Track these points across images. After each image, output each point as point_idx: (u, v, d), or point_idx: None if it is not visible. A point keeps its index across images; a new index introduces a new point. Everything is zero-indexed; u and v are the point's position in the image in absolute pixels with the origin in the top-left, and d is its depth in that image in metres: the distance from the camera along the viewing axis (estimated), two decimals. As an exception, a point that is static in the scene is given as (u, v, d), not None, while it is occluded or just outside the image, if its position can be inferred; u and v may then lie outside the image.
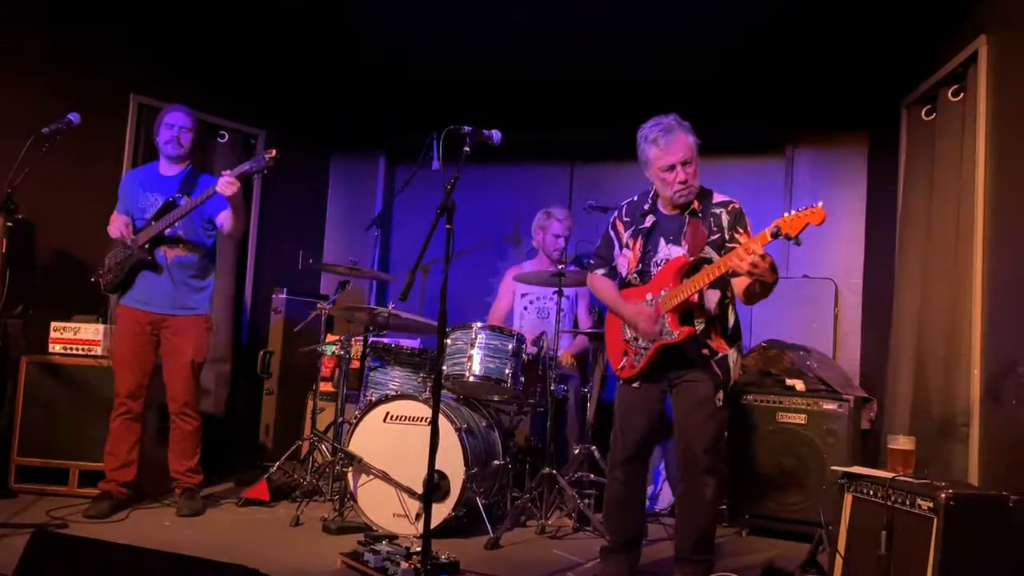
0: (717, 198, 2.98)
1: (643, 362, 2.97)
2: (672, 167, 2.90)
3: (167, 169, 3.93)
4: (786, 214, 2.53)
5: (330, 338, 4.66)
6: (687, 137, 2.89)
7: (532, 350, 4.04)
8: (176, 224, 3.79)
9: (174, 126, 3.89)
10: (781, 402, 4.00)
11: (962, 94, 3.73)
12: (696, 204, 2.96)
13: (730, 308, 2.98)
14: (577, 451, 4.14)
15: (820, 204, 2.46)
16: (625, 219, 3.12)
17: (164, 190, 3.87)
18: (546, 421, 3.96)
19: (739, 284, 2.82)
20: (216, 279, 4.10)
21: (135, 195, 3.91)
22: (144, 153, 4.69)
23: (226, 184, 3.62)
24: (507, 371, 3.83)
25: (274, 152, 3.58)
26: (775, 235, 2.52)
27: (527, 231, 5.14)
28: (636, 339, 3.00)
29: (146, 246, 3.78)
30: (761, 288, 2.74)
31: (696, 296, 2.82)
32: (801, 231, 2.49)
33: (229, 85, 5.16)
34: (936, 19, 3.94)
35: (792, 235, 2.49)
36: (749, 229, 2.90)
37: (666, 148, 2.88)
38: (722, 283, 2.87)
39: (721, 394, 2.91)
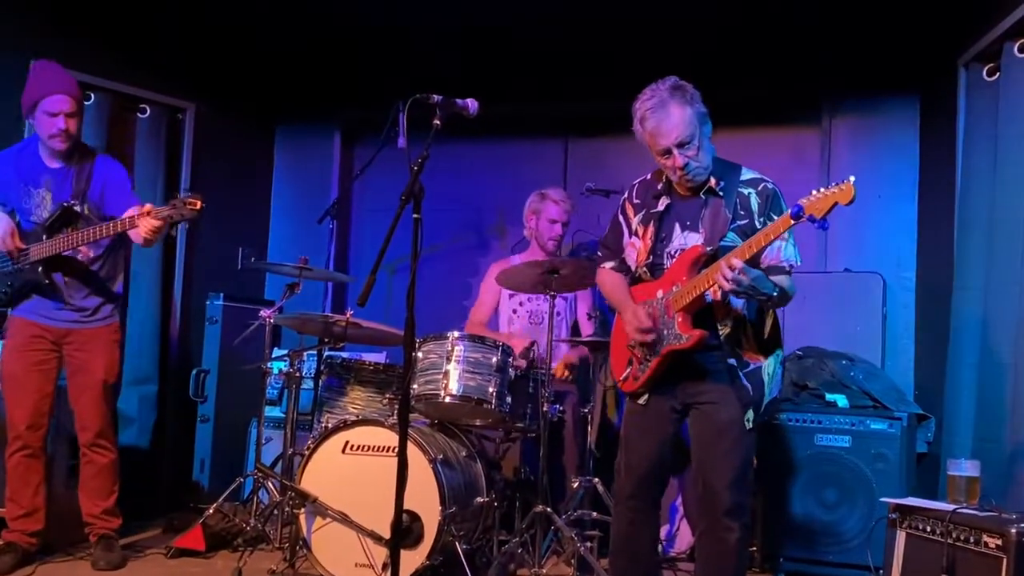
0: (746, 175, 2.96)
1: (648, 372, 2.95)
2: (667, 151, 2.88)
3: (53, 160, 3.83)
4: (812, 192, 2.54)
5: (277, 353, 4.63)
6: (683, 111, 2.84)
7: (521, 364, 4.03)
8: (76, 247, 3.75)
9: (58, 115, 3.70)
10: (820, 422, 4.00)
11: (1032, 48, 3.74)
12: (714, 182, 2.94)
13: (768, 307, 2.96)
14: (576, 484, 4.12)
15: (851, 180, 2.47)
16: (635, 201, 3.11)
17: (54, 188, 3.79)
18: (539, 449, 3.94)
19: None
20: (130, 280, 4.08)
21: (13, 188, 3.82)
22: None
23: (151, 228, 3.50)
24: (491, 389, 3.82)
25: (198, 204, 3.47)
26: (797, 217, 2.54)
27: (514, 220, 5.14)
28: (641, 345, 2.98)
29: (39, 268, 3.75)
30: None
31: (718, 292, 2.78)
32: (828, 212, 2.50)
33: (148, 49, 5.13)
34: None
35: (818, 216, 2.51)
36: (784, 210, 2.85)
37: (656, 129, 2.85)
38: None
39: (751, 414, 2.89)
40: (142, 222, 3.53)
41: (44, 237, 3.74)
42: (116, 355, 3.95)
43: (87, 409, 3.85)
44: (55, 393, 3.87)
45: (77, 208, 3.77)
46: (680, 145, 2.85)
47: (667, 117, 2.84)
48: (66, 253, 3.77)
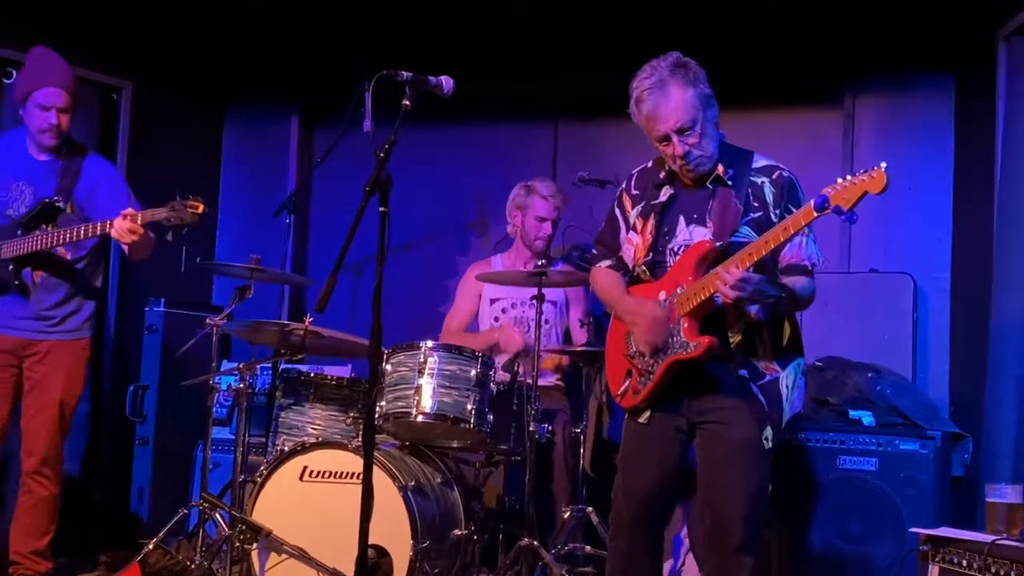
0: (759, 162, 2.99)
1: (650, 385, 2.95)
2: (666, 138, 2.89)
3: (40, 153, 3.94)
4: (838, 180, 2.55)
5: (226, 366, 4.62)
6: (684, 93, 2.85)
7: (504, 377, 4.04)
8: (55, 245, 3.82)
9: (50, 109, 3.84)
10: (843, 442, 4.02)
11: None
12: (722, 170, 2.95)
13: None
14: (568, 514, 4.15)
15: (882, 166, 2.49)
16: (634, 192, 3.13)
17: (38, 182, 3.89)
18: (525, 474, 3.96)
19: None
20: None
21: None
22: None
23: (125, 230, 3.57)
24: (469, 406, 3.83)
25: (200, 207, 3.54)
26: (821, 208, 2.55)
27: (496, 214, 5.17)
28: (641, 354, 2.98)
29: (10, 267, 3.81)
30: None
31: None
32: (856, 203, 2.51)
33: (78, 20, 5.10)
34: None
35: (845, 208, 2.52)
36: (803, 202, 2.87)
37: (654, 113, 2.86)
38: (771, 275, 2.87)
39: (769, 432, 2.90)
40: (115, 224, 3.59)
41: (19, 233, 3.80)
42: (80, 374, 4.00)
43: (36, 431, 3.88)
44: (8, 417, 3.91)
45: (59, 204, 3.83)
46: (680, 131, 2.86)
47: (666, 99, 2.85)
48: (44, 252, 3.82)
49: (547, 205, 4.74)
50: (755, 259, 2.71)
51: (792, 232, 2.65)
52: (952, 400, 4.71)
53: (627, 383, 3.04)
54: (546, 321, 4.52)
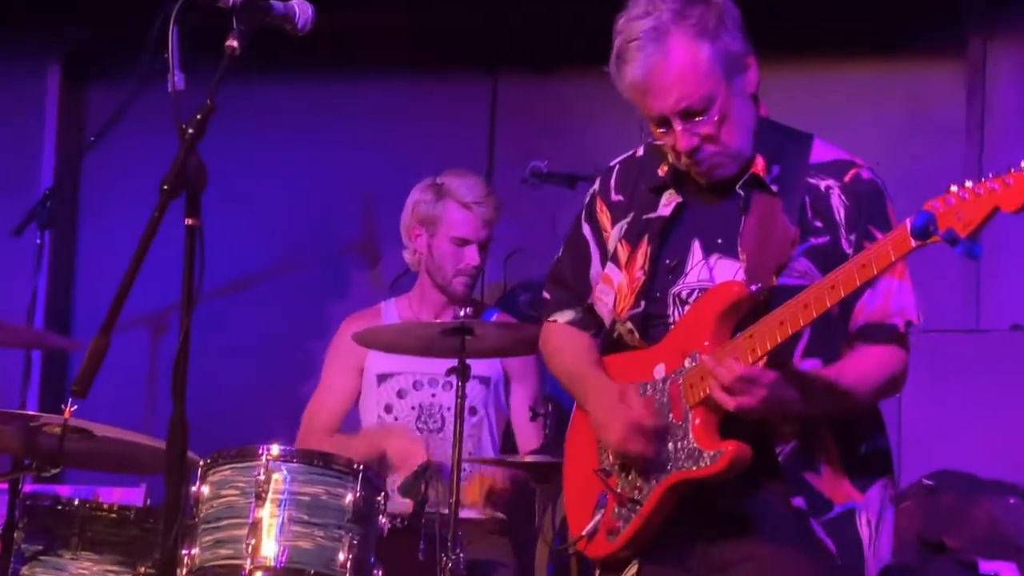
0: (821, 153, 3.09)
1: (638, 520, 3.00)
2: (663, 121, 2.94)
3: None
4: (952, 189, 2.56)
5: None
6: (694, 51, 2.89)
7: (403, 505, 4.08)
8: None
9: None
10: (970, 613, 4.09)
11: None
12: (762, 165, 3.00)
13: None
14: None
15: None
16: (615, 199, 3.23)
17: None
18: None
19: None
20: None
21: None
22: None
23: None
24: (342, 556, 3.83)
25: None
26: (923, 234, 2.58)
27: (391, 232, 5.15)
28: (623, 469, 3.03)
29: None
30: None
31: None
32: (981, 227, 2.53)
33: None
34: None
35: (962, 233, 2.53)
36: (893, 223, 2.93)
37: (644, 81, 2.91)
38: (833, 344, 2.96)
39: None
40: None
41: None
42: None
43: None
44: None
45: None
46: (686, 114, 2.90)
47: (665, 61, 2.90)
48: None
49: (471, 218, 4.79)
50: (803, 325, 2.74)
51: (875, 273, 2.69)
52: None
53: (598, 517, 3.10)
54: (472, 411, 4.58)
